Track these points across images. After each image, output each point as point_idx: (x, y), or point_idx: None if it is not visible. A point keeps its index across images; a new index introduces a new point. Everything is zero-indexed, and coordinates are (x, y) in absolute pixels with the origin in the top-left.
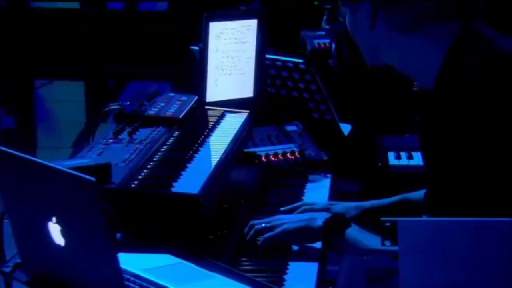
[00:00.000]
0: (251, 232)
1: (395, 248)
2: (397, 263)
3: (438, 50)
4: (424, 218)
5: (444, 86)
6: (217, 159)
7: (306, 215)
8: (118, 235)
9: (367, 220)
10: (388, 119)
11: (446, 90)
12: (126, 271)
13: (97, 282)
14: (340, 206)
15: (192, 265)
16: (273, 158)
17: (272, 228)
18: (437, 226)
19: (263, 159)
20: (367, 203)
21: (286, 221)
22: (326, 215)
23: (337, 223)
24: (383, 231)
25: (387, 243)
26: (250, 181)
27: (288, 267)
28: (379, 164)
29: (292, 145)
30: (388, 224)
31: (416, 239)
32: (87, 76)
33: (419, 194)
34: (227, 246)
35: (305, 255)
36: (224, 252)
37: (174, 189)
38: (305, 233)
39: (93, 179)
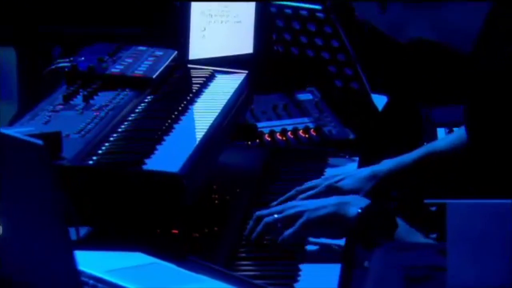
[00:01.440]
0: (259, 227)
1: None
2: (444, 259)
3: (478, 11)
4: (484, 200)
5: (487, 47)
6: (204, 131)
7: (333, 199)
8: (74, 229)
9: (387, 191)
10: (437, 87)
11: (488, 51)
12: (84, 273)
13: (45, 284)
14: (349, 182)
15: (171, 266)
16: (279, 137)
17: (287, 220)
18: (500, 210)
19: (267, 137)
20: (383, 169)
21: (305, 208)
22: (361, 200)
23: (380, 215)
24: (426, 218)
25: (432, 235)
26: (249, 165)
27: (300, 272)
28: (425, 143)
29: (306, 119)
30: (433, 208)
31: (470, 226)
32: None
33: (449, 139)
34: (217, 247)
35: (322, 254)
36: (213, 254)
37: (146, 167)
38: (332, 224)
39: (40, 142)
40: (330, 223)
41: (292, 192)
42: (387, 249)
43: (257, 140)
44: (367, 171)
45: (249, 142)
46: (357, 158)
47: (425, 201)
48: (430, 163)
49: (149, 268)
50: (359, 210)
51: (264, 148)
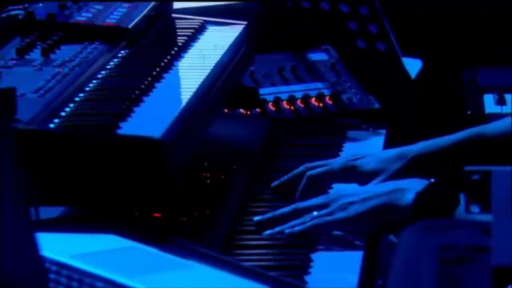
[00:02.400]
0: (289, 230)
1: (485, 217)
2: (487, 238)
3: None
4: None
5: None
6: (191, 92)
7: (385, 186)
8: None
9: (415, 175)
10: (483, 45)
11: None
12: (46, 259)
13: (5, 270)
14: (370, 161)
15: (152, 250)
16: (286, 106)
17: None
18: None
19: (270, 106)
20: (414, 149)
21: (351, 199)
22: (418, 182)
23: (440, 198)
24: (467, 188)
25: (474, 208)
26: (249, 139)
27: (311, 263)
28: (469, 113)
29: (319, 85)
30: (476, 177)
31: None
32: None
33: (499, 127)
34: (210, 234)
35: (340, 240)
36: (204, 241)
37: (121, 131)
38: (379, 218)
39: None
40: (377, 216)
41: (301, 168)
42: (420, 227)
43: (258, 110)
44: (393, 151)
45: (248, 112)
46: (383, 131)
47: (466, 168)
48: (473, 150)
49: (124, 253)
50: (414, 196)
51: (267, 119)
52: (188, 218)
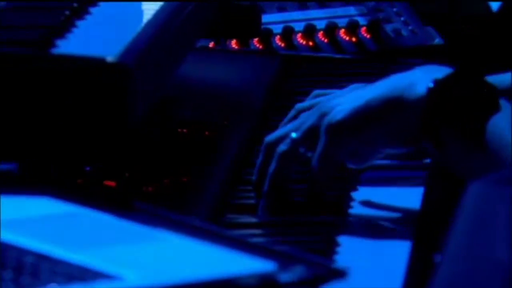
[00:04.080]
0: (273, 165)
1: None
2: None
3: None
4: None
5: None
6: (158, 4)
7: (384, 80)
8: None
9: None
10: None
11: None
12: None
13: None
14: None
15: (105, 217)
16: (302, 40)
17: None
18: None
19: (278, 41)
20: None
21: (332, 104)
22: (436, 69)
23: (470, 93)
24: None
25: None
26: (245, 84)
27: (338, 248)
28: None
29: (351, 10)
30: None
31: None
32: None
33: None
34: (187, 208)
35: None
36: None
37: (59, 50)
38: (383, 121)
39: None
40: (379, 120)
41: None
42: (488, 181)
43: (258, 45)
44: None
45: (245, 46)
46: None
47: None
48: None
49: (65, 220)
50: (431, 85)
51: (273, 58)
52: (155, 188)
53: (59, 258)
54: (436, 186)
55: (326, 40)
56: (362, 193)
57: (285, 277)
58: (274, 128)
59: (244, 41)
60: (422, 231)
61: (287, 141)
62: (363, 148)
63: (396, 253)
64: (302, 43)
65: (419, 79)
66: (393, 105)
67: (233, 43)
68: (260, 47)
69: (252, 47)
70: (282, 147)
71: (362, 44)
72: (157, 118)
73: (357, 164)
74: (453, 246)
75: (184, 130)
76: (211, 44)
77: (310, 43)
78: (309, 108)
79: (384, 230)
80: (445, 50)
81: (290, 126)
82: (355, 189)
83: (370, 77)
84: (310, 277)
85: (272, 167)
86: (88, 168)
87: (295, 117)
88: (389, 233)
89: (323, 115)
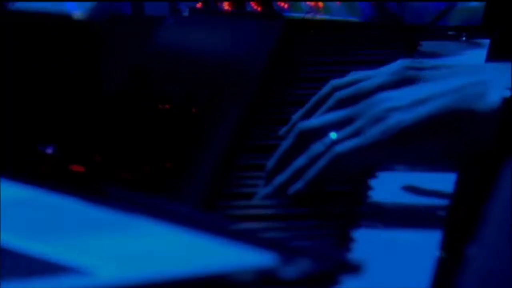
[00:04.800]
0: (309, 158)
1: None
2: None
3: None
4: None
5: None
6: None
7: (451, 79)
8: None
9: None
10: None
11: None
12: None
13: None
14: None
15: (77, 204)
16: (308, 1)
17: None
18: None
19: (279, 3)
20: None
21: (393, 104)
22: (502, 71)
23: None
24: None
25: None
26: (242, 53)
27: (352, 243)
28: None
29: None
30: None
31: None
32: None
33: None
34: (173, 196)
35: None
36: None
37: (16, 6)
38: (454, 126)
39: None
40: (438, 131)
41: (327, 89)
42: None
43: (255, 6)
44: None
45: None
46: (485, 42)
47: None
48: None
49: (20, 207)
50: (507, 93)
51: (274, 21)
52: (133, 174)
53: (18, 250)
54: (471, 170)
55: (338, 2)
56: (383, 180)
57: (288, 272)
58: (276, 105)
59: (239, 2)
60: (453, 221)
61: (326, 142)
62: (410, 161)
63: (423, 246)
64: (309, 4)
65: (491, 85)
66: (461, 118)
67: (226, 5)
68: (259, 9)
69: (248, 9)
70: (319, 147)
71: (382, 6)
72: (135, 91)
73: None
74: (489, 234)
75: (167, 106)
76: (198, 5)
77: (320, 5)
78: (353, 99)
79: (409, 220)
80: (481, 11)
81: (331, 118)
82: (373, 176)
83: (391, 45)
84: (317, 272)
85: (300, 162)
86: (50, 150)
87: (335, 107)
88: (414, 223)
89: (375, 120)
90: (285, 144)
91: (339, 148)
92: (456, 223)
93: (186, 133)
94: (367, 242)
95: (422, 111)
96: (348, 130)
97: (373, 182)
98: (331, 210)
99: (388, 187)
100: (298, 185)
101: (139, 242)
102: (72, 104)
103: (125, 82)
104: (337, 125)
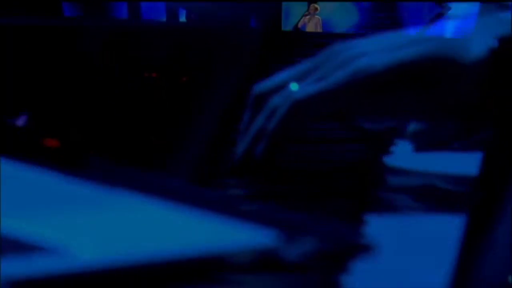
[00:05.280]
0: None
1: None
2: None
3: None
4: None
5: None
6: None
7: (427, 35)
8: None
9: None
10: None
11: None
12: None
13: None
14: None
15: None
16: None
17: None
18: None
19: None
20: None
21: (365, 49)
22: (490, 21)
23: None
24: None
25: None
26: (238, 14)
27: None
28: None
29: None
30: None
31: None
32: None
33: None
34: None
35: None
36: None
37: None
38: (432, 81)
39: None
40: (417, 78)
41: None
42: None
43: None
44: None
45: None
46: None
47: None
48: None
49: None
50: (494, 43)
51: None
52: (115, 151)
53: None
54: (498, 149)
55: None
56: (400, 159)
57: (290, 252)
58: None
59: None
60: (479, 203)
61: (285, 93)
62: (386, 111)
63: (441, 231)
64: None
65: (477, 35)
66: (440, 68)
67: None
68: None
69: None
70: (277, 100)
71: None
72: (116, 57)
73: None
74: None
75: (153, 75)
76: None
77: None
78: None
79: (427, 204)
80: None
81: (289, 73)
82: (387, 152)
83: None
84: (324, 253)
85: (259, 121)
86: (19, 122)
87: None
88: (432, 206)
89: (340, 65)
90: (245, 115)
91: (298, 94)
92: (480, 206)
93: (176, 104)
94: (381, 226)
95: (395, 56)
96: (309, 79)
97: (390, 162)
98: (341, 189)
99: (405, 167)
100: (262, 144)
101: (123, 220)
102: (48, 72)
103: (106, 48)
104: (297, 80)
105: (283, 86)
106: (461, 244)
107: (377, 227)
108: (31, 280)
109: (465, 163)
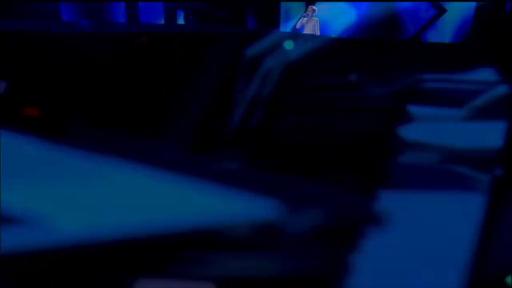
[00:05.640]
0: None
1: None
2: None
3: None
4: None
5: None
6: None
7: None
8: None
9: None
10: None
11: None
12: None
13: None
14: None
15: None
16: None
17: None
18: None
19: None
20: None
21: None
22: None
23: None
24: None
25: None
26: None
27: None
28: None
29: None
30: None
31: None
32: None
33: None
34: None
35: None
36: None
37: None
38: None
39: None
40: None
41: None
42: None
43: None
44: None
45: None
46: None
47: None
48: None
49: None
50: None
51: None
52: (102, 122)
53: None
54: None
55: None
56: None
57: (293, 225)
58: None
59: None
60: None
61: (279, 56)
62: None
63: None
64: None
65: None
66: None
67: None
68: None
69: None
70: (269, 63)
71: None
72: (104, 21)
73: None
74: None
75: (144, 40)
76: None
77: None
78: None
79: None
80: None
81: (282, 33)
82: (403, 124)
83: None
84: (332, 225)
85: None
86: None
87: None
88: (457, 180)
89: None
90: (240, 81)
91: (292, 55)
92: (501, 184)
93: (171, 70)
94: (392, 200)
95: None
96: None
97: (404, 135)
98: (350, 162)
99: (420, 140)
100: (258, 112)
101: (113, 190)
102: (32, 38)
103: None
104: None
105: (276, 47)
106: (481, 224)
107: (388, 201)
108: (15, 255)
109: (486, 136)
